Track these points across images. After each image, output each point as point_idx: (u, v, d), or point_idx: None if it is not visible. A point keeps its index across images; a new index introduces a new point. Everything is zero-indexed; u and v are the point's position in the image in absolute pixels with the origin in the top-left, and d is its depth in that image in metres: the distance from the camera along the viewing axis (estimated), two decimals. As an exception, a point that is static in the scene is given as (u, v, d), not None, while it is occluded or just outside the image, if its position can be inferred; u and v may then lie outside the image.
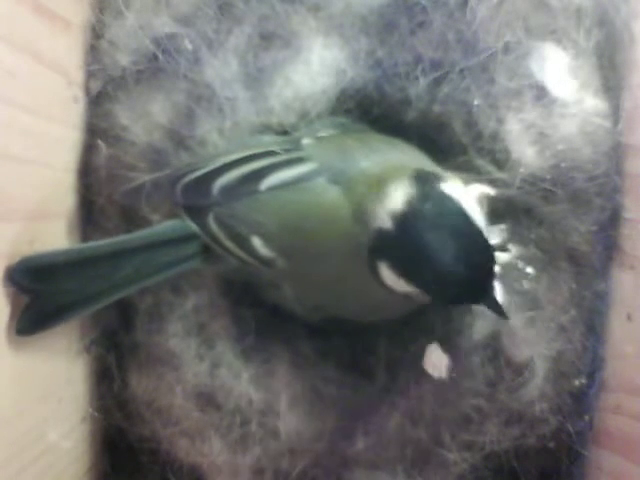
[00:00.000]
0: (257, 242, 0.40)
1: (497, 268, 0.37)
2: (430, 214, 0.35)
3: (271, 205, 0.40)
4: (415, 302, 0.39)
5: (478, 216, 0.36)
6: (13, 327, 0.38)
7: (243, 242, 0.40)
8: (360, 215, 0.37)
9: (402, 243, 0.35)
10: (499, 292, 0.44)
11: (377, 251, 0.36)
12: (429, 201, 0.35)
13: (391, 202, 0.36)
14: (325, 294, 0.42)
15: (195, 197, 0.41)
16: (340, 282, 0.39)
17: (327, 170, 0.39)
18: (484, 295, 0.36)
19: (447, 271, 0.34)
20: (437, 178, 0.37)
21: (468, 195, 0.37)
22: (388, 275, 0.36)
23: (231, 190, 0.40)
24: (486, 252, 0.36)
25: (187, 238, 0.41)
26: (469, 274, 0.35)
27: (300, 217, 0.39)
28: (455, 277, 0.35)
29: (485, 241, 0.35)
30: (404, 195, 0.36)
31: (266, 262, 0.40)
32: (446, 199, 0.35)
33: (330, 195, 0.39)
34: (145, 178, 0.44)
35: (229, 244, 0.40)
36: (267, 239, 0.40)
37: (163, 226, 0.42)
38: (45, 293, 0.39)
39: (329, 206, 0.39)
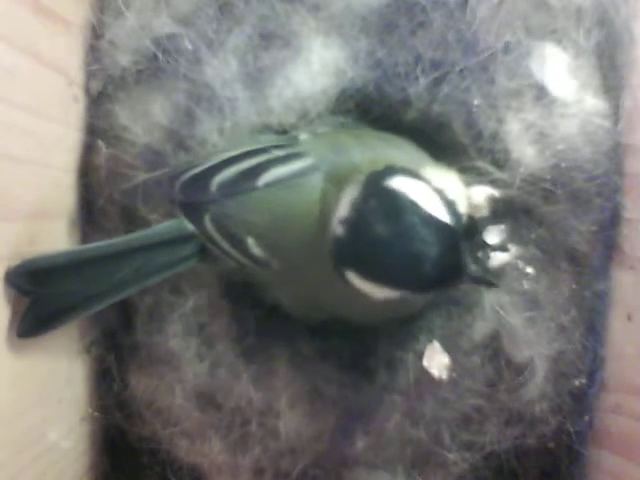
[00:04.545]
0: (251, 242, 0.40)
1: (465, 244, 0.35)
2: (374, 213, 0.34)
3: (263, 204, 0.40)
4: (406, 304, 0.39)
5: (429, 202, 0.35)
6: (13, 328, 0.38)
7: (238, 243, 0.40)
8: (322, 219, 0.37)
9: (356, 248, 0.35)
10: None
11: (339, 261, 0.36)
12: (371, 200, 0.35)
13: (340, 209, 0.36)
14: (318, 297, 0.42)
15: (194, 194, 0.40)
16: (331, 286, 0.39)
17: (323, 165, 0.39)
18: (458, 273, 0.35)
19: (407, 262, 0.34)
20: (388, 174, 0.36)
21: (421, 186, 0.36)
22: (359, 282, 0.36)
23: (229, 186, 0.40)
24: (441, 232, 0.34)
25: (185, 238, 0.41)
26: (430, 257, 0.33)
27: (288, 217, 0.39)
28: (417, 264, 0.34)
29: (439, 222, 0.34)
30: (349, 200, 0.36)
31: (261, 263, 0.40)
32: (388, 194, 0.35)
33: (315, 195, 0.38)
34: (145, 176, 0.44)
35: (225, 245, 0.40)
36: (259, 239, 0.39)
37: (161, 227, 0.42)
38: (45, 295, 0.39)
39: (311, 207, 0.38)
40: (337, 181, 0.38)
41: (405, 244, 0.34)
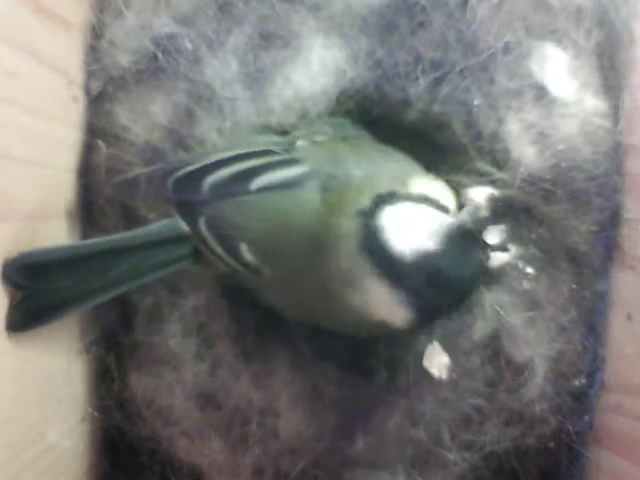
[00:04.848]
0: (244, 248, 0.39)
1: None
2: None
3: (258, 210, 0.39)
4: None
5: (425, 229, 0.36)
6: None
7: (231, 247, 0.40)
8: (327, 232, 0.37)
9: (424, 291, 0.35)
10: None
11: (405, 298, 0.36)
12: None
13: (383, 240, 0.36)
14: (308, 307, 0.41)
15: (185, 192, 0.40)
16: (323, 299, 0.39)
17: (318, 175, 0.39)
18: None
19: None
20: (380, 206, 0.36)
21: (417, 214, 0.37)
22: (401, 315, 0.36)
23: (221, 187, 0.40)
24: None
25: (180, 238, 0.41)
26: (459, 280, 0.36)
27: (284, 226, 0.39)
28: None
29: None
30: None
31: (253, 269, 0.40)
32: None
33: (312, 209, 0.38)
34: (137, 171, 0.44)
35: (218, 248, 0.40)
36: (252, 245, 0.39)
37: (158, 225, 0.42)
38: (39, 290, 0.39)
39: (309, 221, 0.38)
40: (340, 202, 0.38)
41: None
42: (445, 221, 0.36)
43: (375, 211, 0.36)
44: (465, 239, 0.36)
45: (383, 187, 0.37)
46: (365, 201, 0.37)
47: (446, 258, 0.35)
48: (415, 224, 0.35)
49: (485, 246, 0.39)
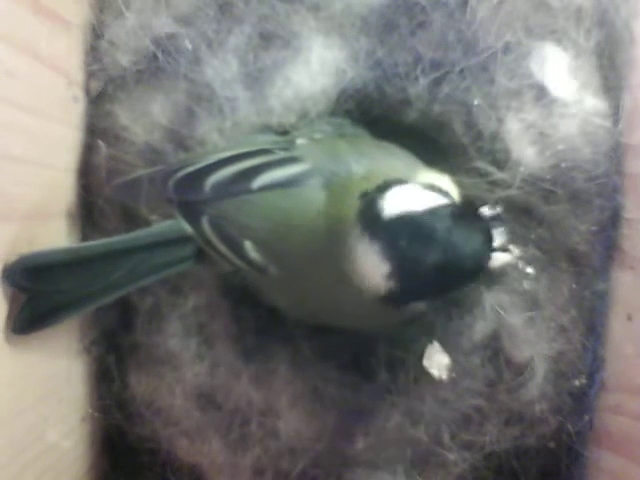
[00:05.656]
0: (249, 247, 0.39)
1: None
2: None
3: (261, 209, 0.39)
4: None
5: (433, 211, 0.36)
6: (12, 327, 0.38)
7: (235, 246, 0.40)
8: (332, 230, 0.37)
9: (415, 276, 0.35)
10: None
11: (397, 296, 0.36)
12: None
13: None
14: (316, 305, 0.41)
15: (187, 193, 0.40)
16: (329, 295, 0.39)
17: (319, 172, 0.39)
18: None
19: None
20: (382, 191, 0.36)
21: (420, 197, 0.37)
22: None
23: (223, 187, 0.40)
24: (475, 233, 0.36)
25: (182, 239, 0.41)
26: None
27: (288, 226, 0.39)
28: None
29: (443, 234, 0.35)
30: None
31: (259, 268, 0.40)
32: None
33: (316, 205, 0.38)
34: (138, 173, 0.44)
35: (222, 248, 0.40)
36: (257, 244, 0.39)
37: (159, 227, 0.42)
38: (42, 292, 0.39)
39: (314, 216, 0.38)
40: (344, 193, 0.38)
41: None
42: (442, 199, 0.36)
43: (380, 191, 0.36)
44: (464, 214, 0.36)
45: (390, 177, 0.38)
46: (372, 186, 0.37)
47: (434, 221, 0.35)
48: (412, 199, 0.36)
49: (489, 231, 0.39)
